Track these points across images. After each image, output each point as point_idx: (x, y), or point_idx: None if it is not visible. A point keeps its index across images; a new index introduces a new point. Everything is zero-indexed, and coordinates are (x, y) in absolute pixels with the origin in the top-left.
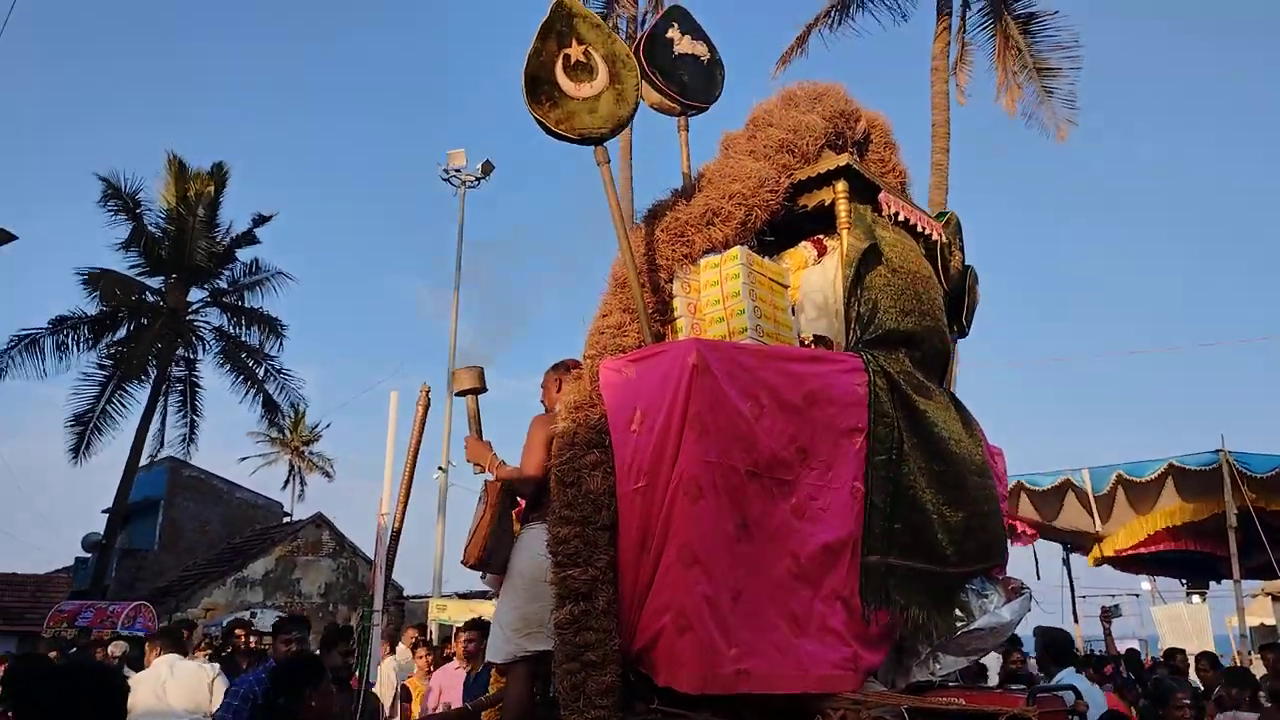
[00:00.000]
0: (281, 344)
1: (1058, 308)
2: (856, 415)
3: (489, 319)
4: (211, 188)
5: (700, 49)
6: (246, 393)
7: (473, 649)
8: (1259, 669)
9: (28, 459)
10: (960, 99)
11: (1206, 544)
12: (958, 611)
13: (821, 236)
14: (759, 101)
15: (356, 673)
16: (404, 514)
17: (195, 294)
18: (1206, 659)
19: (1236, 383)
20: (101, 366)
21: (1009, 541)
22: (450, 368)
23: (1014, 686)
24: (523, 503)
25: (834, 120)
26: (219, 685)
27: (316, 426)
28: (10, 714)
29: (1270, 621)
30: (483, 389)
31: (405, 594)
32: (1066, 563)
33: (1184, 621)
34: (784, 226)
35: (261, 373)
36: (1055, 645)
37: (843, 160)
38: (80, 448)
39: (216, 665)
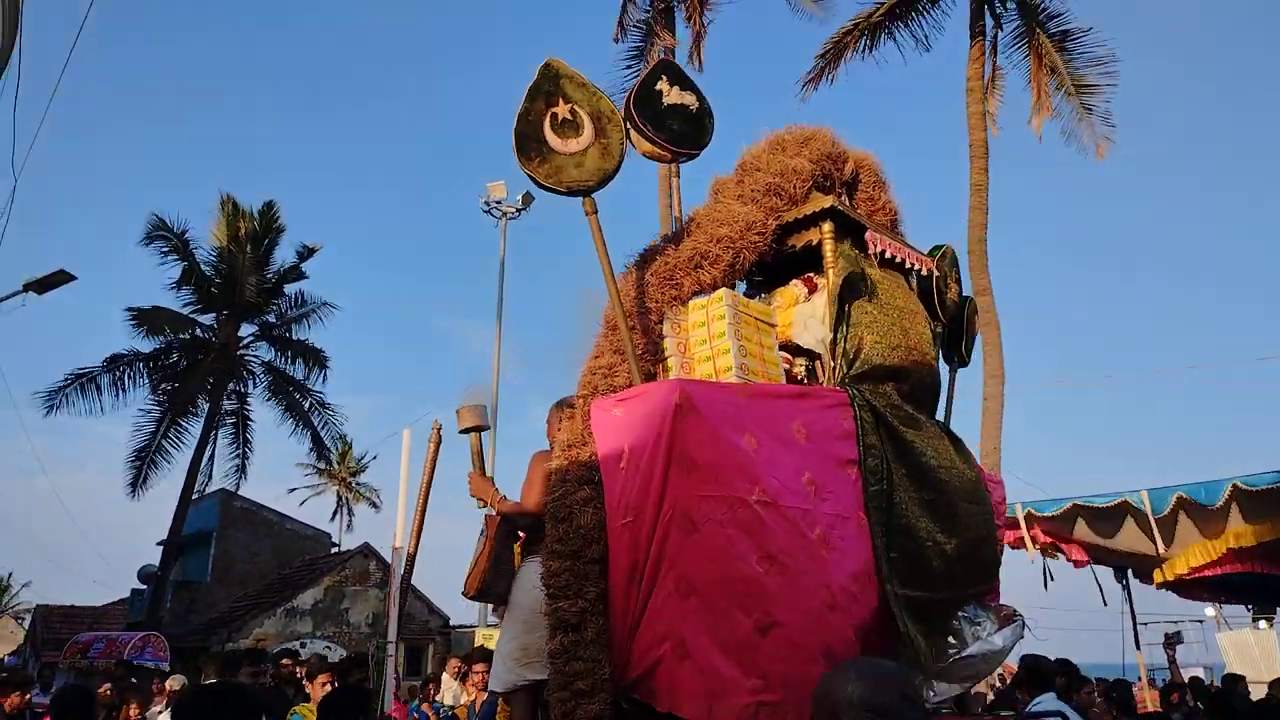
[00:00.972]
0: (325, 375)
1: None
2: (847, 448)
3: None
4: (262, 226)
5: (689, 99)
6: (295, 427)
7: (479, 680)
8: None
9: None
10: (993, 129)
11: (1276, 566)
12: (950, 639)
13: (812, 275)
14: (748, 146)
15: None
16: (417, 544)
17: (245, 329)
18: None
19: None
20: (159, 402)
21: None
22: (494, 399)
23: (1003, 714)
24: (524, 536)
25: (821, 163)
26: None
27: (363, 458)
28: None
29: None
30: (486, 426)
31: (451, 623)
32: (1126, 587)
33: (1251, 649)
34: (776, 266)
35: (307, 405)
36: (1037, 672)
37: (827, 202)
38: (138, 482)
39: None
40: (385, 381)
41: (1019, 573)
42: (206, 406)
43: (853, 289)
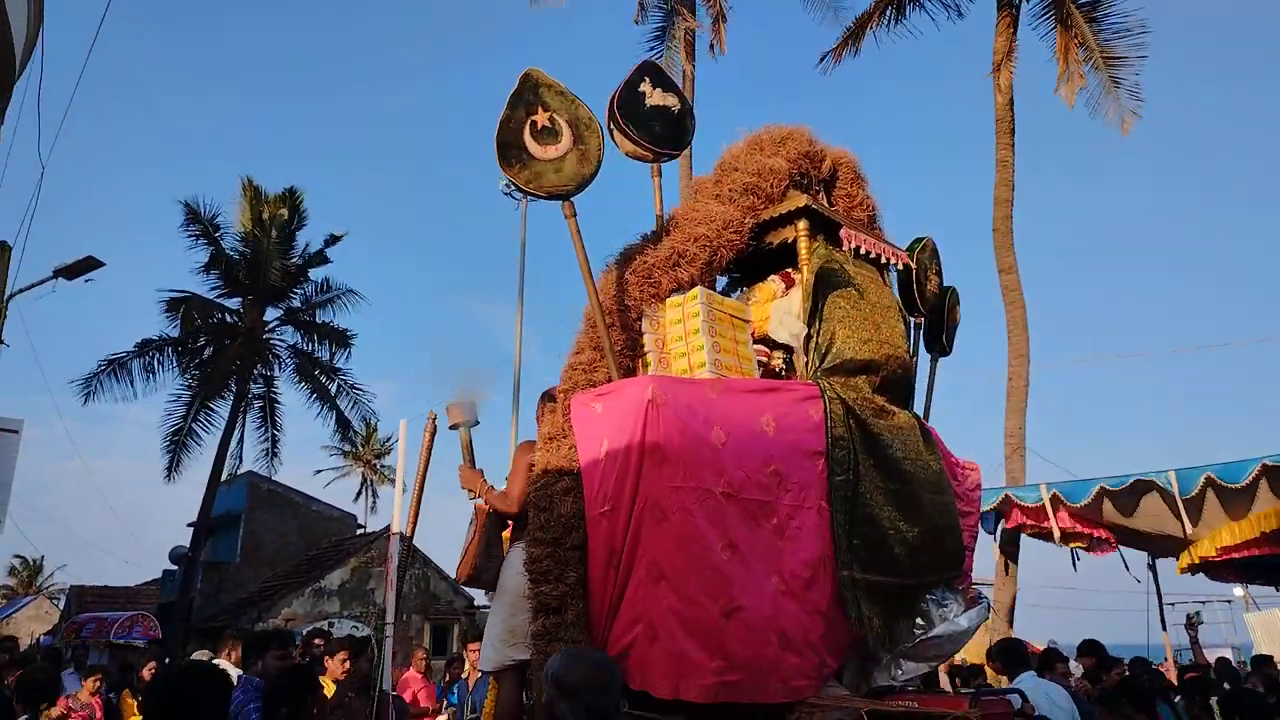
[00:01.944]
0: (349, 354)
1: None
2: (816, 439)
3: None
4: (285, 211)
5: (670, 100)
6: (321, 409)
7: (476, 659)
8: None
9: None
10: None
11: None
12: (918, 620)
13: (790, 270)
14: (727, 146)
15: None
16: (414, 530)
17: (270, 313)
18: None
19: None
20: (189, 386)
21: (967, 553)
22: (515, 381)
23: (964, 691)
24: (511, 524)
25: (798, 161)
26: None
27: (388, 440)
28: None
29: None
30: (474, 422)
31: (476, 604)
32: (1153, 568)
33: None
34: (756, 261)
35: (334, 388)
36: (1007, 653)
37: (802, 201)
38: (172, 465)
39: None
40: (402, 369)
41: (1047, 554)
42: (235, 390)
43: (826, 284)
